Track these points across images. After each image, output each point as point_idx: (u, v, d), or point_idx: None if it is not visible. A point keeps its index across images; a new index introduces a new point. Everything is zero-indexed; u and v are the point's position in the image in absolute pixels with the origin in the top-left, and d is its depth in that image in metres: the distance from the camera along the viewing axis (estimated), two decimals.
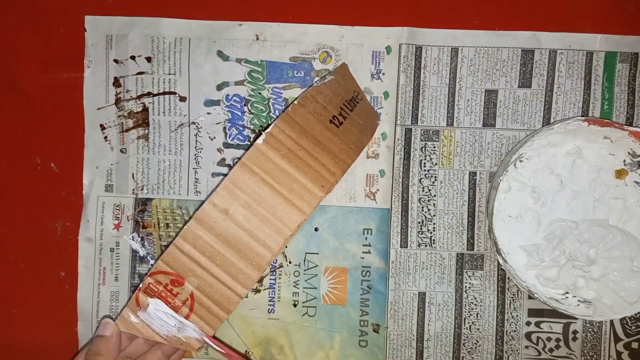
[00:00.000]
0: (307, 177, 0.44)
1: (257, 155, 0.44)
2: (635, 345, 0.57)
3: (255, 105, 0.57)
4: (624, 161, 0.55)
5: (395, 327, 0.57)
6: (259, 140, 0.44)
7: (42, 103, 0.58)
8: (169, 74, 0.57)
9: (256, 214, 0.44)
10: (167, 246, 0.57)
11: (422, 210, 0.57)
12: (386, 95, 0.57)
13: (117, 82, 0.57)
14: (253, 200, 0.44)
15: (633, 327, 0.57)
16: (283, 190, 0.44)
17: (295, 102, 0.46)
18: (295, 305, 0.58)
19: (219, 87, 0.57)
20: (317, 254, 0.58)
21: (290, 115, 0.45)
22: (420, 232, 0.57)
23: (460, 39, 0.57)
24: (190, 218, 0.45)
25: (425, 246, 0.57)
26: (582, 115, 0.57)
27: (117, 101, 0.57)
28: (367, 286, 0.57)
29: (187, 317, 0.46)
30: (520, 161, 0.55)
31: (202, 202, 0.44)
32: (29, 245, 0.58)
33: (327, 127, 0.47)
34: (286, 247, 0.57)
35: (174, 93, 0.57)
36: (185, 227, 0.44)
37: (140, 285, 0.46)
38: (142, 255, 0.58)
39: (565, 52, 0.57)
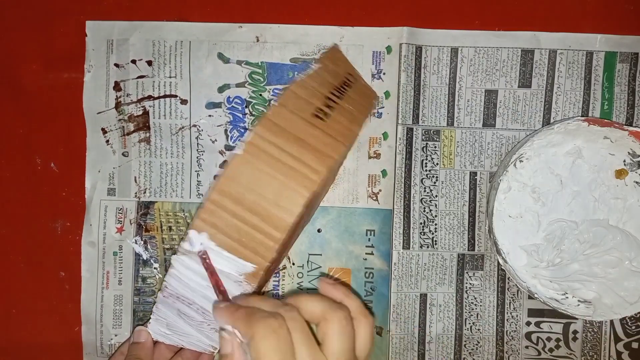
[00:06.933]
0: (290, 179, 0.43)
1: (238, 166, 0.42)
2: (635, 345, 0.57)
3: (256, 107, 0.57)
4: (624, 161, 0.55)
5: (398, 330, 0.57)
6: (238, 151, 0.42)
7: (43, 105, 0.57)
8: (170, 77, 0.57)
9: (243, 222, 0.43)
10: (170, 249, 0.57)
11: (424, 211, 0.57)
12: (387, 95, 0.57)
13: (117, 86, 0.57)
14: (241, 209, 0.43)
15: (633, 327, 0.57)
16: (269, 194, 0.42)
17: (276, 103, 0.45)
18: None
19: (220, 90, 0.57)
20: (320, 255, 0.57)
21: (269, 119, 0.44)
22: (422, 233, 0.57)
23: (460, 40, 0.57)
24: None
25: (427, 247, 0.57)
26: (582, 115, 0.57)
27: (117, 105, 0.57)
28: (371, 288, 0.57)
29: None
30: (520, 161, 0.55)
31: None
32: (29, 245, 0.58)
33: (311, 122, 0.45)
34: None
35: (175, 96, 0.57)
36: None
37: None
38: (145, 258, 0.57)
39: (565, 52, 0.57)
